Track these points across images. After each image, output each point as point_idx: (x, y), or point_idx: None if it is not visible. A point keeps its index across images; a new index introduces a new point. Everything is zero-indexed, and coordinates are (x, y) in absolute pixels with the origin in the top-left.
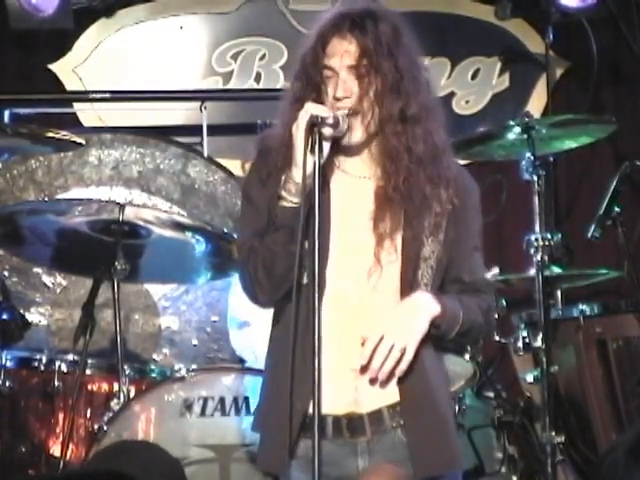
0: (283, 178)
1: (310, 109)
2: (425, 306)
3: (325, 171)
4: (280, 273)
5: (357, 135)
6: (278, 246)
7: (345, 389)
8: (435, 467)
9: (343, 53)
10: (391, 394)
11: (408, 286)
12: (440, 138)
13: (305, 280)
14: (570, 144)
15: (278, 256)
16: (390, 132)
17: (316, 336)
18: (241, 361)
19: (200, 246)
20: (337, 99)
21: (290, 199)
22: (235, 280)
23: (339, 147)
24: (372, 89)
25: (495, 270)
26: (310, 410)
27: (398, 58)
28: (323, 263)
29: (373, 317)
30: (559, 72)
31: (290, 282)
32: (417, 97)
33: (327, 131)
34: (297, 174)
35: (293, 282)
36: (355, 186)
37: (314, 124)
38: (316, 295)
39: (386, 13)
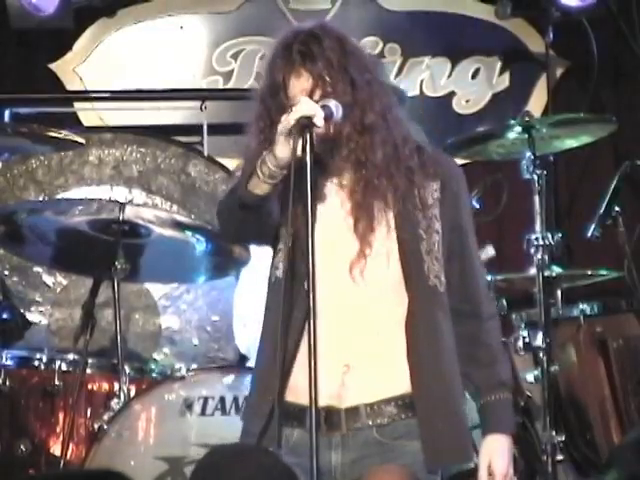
0: (263, 153)
1: (303, 109)
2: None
3: (300, 167)
4: (241, 232)
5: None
6: (243, 216)
7: (331, 383)
8: (447, 456)
9: (302, 92)
10: (372, 392)
11: (413, 281)
12: (401, 135)
13: (281, 275)
14: (570, 143)
15: (241, 222)
16: (344, 150)
17: (312, 334)
18: (242, 360)
19: (200, 245)
20: None
21: (262, 178)
22: (240, 279)
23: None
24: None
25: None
26: (287, 399)
27: (350, 71)
28: (303, 263)
29: (363, 311)
30: (559, 71)
31: (251, 238)
32: (373, 105)
33: (320, 128)
34: (271, 160)
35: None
36: (328, 188)
37: (305, 125)
38: (311, 295)
39: (326, 28)
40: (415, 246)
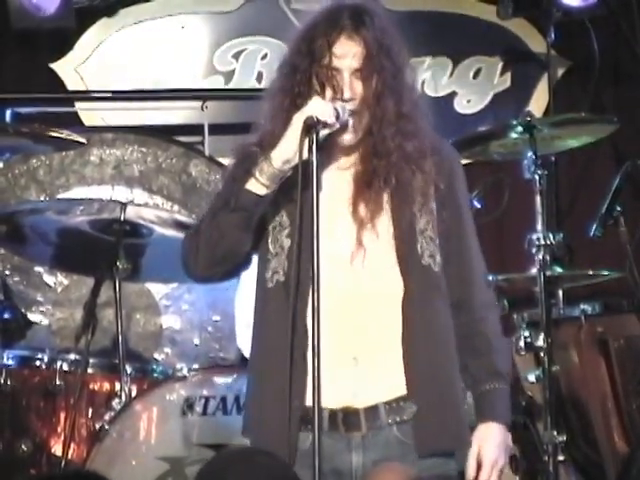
0: (261, 158)
1: (316, 106)
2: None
3: (306, 166)
4: (221, 254)
5: (350, 136)
6: (230, 227)
7: (343, 380)
8: (437, 440)
9: (352, 55)
10: (389, 389)
11: (407, 260)
12: (426, 127)
13: (282, 279)
14: (572, 143)
15: (226, 237)
16: (385, 133)
17: (315, 333)
18: (243, 360)
19: None
20: (344, 101)
21: (261, 180)
22: (242, 279)
23: (329, 145)
24: (372, 90)
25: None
26: (307, 404)
27: (394, 55)
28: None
29: (365, 300)
30: (560, 71)
31: (228, 264)
32: (410, 94)
33: (327, 130)
34: (276, 156)
35: (231, 263)
36: (333, 177)
37: (312, 125)
38: (316, 295)
39: (376, 8)
40: (409, 225)
